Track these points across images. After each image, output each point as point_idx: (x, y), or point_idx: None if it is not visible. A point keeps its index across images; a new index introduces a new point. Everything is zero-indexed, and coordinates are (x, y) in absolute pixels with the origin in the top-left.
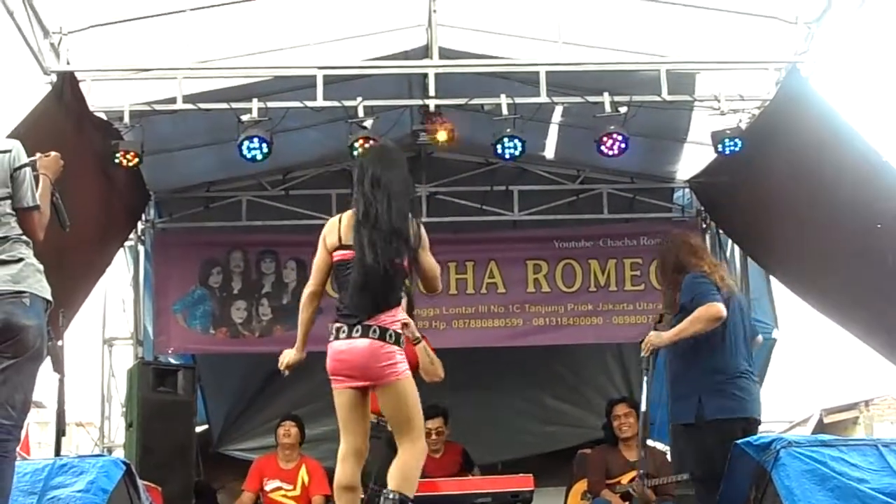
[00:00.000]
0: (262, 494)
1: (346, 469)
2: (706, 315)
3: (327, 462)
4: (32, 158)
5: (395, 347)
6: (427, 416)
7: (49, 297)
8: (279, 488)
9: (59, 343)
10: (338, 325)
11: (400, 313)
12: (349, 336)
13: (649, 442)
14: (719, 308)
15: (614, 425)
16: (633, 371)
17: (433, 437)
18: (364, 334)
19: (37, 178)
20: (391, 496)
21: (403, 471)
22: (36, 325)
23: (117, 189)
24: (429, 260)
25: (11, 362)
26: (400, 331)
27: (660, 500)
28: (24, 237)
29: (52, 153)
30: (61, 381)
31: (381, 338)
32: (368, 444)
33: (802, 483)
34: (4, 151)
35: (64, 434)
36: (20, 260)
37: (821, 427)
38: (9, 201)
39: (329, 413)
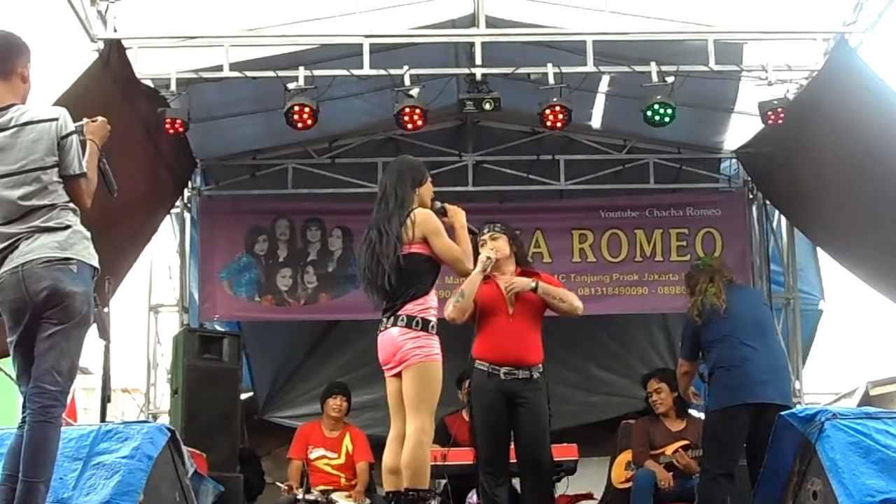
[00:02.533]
0: (307, 462)
1: (391, 452)
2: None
3: (370, 430)
4: (79, 123)
5: (422, 333)
6: (467, 377)
7: (96, 265)
8: (323, 457)
9: (105, 310)
10: (381, 319)
11: (428, 301)
12: (385, 327)
13: (692, 412)
14: (679, 365)
15: (650, 400)
16: (678, 341)
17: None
18: (394, 323)
19: (84, 144)
20: (409, 496)
21: (411, 464)
22: (83, 292)
23: (163, 157)
24: (440, 243)
25: (58, 328)
26: (428, 318)
27: None
28: (71, 205)
29: (99, 118)
30: (107, 348)
31: (408, 325)
32: None
33: (847, 455)
34: (51, 119)
35: (109, 400)
36: (67, 227)
37: (866, 399)
38: (56, 169)
39: (371, 381)
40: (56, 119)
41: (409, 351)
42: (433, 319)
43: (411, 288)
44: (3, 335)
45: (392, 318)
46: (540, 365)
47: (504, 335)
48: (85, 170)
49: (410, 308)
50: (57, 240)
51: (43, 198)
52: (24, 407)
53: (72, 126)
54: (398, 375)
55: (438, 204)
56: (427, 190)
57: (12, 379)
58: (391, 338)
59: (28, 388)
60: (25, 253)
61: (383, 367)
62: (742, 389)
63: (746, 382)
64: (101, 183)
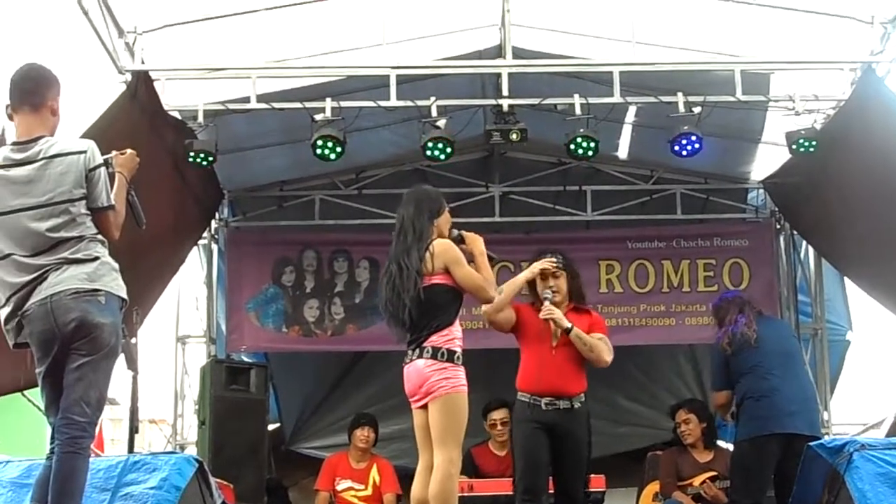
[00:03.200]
0: (334, 494)
1: (419, 484)
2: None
3: (397, 461)
4: (108, 156)
5: (448, 364)
6: (493, 408)
7: (124, 296)
8: (350, 488)
9: (133, 341)
10: (407, 351)
11: (453, 331)
12: (410, 359)
13: (720, 443)
14: (713, 398)
15: (678, 430)
16: (705, 372)
17: (499, 427)
18: (420, 355)
19: (112, 176)
20: None
21: (439, 496)
22: (111, 323)
23: (191, 188)
24: (461, 273)
25: (87, 360)
26: (454, 348)
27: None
28: (99, 236)
29: (128, 151)
30: (135, 379)
31: (434, 356)
32: None
33: (876, 486)
34: (79, 152)
35: (137, 431)
36: (96, 258)
37: (895, 429)
38: (84, 201)
39: (398, 412)
40: (84, 152)
41: (435, 383)
42: (458, 350)
43: (435, 319)
44: (31, 365)
45: (418, 350)
46: (582, 395)
47: (546, 367)
48: (113, 202)
49: (435, 339)
50: (85, 271)
51: (71, 230)
52: (52, 438)
53: (100, 159)
54: (425, 407)
55: (456, 232)
56: (445, 220)
57: (40, 409)
58: (417, 370)
59: (57, 420)
60: (54, 284)
61: (410, 399)
62: (771, 420)
63: (775, 413)
64: (130, 215)
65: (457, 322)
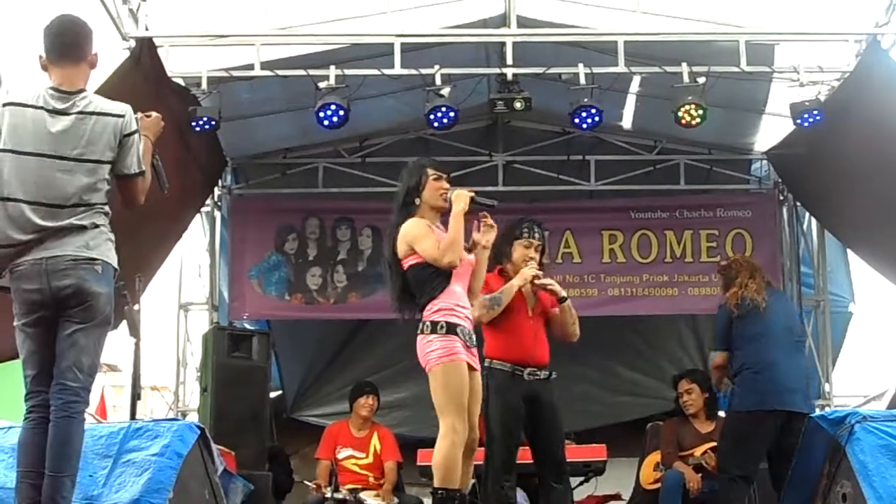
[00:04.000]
0: (335, 462)
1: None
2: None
3: (398, 429)
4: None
5: (433, 336)
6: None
7: (116, 266)
8: (351, 456)
9: (136, 307)
10: None
11: (438, 303)
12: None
13: (721, 413)
14: (713, 358)
15: (680, 401)
16: (707, 342)
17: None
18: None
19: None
20: (439, 494)
21: (441, 465)
22: (106, 293)
23: (194, 155)
24: (421, 250)
25: (80, 327)
26: (436, 319)
27: None
28: (105, 207)
29: (153, 113)
30: (137, 346)
31: (422, 331)
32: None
33: (877, 458)
34: (118, 116)
35: (139, 398)
36: (95, 227)
37: None
38: (108, 166)
39: (399, 381)
40: (122, 116)
41: (424, 357)
42: (442, 320)
43: (421, 297)
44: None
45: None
46: None
47: (526, 336)
48: (143, 168)
49: (426, 314)
50: (84, 239)
51: (86, 193)
52: (27, 396)
53: (135, 125)
54: None
55: (448, 195)
56: (432, 189)
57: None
58: (417, 345)
59: (52, 386)
60: (51, 248)
61: None
62: (774, 395)
63: (776, 388)
64: (154, 179)
65: (444, 294)
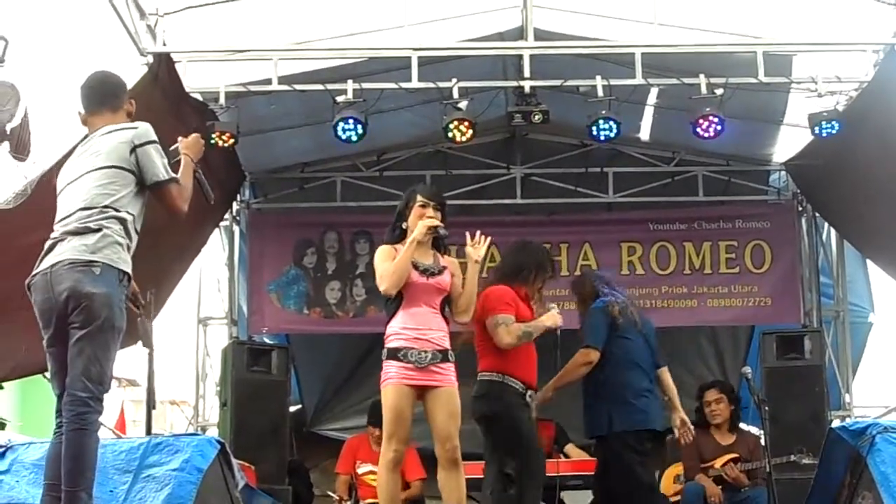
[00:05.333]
0: (355, 477)
1: None
2: (578, 361)
3: (420, 443)
4: (175, 146)
5: (384, 362)
6: None
7: (125, 269)
8: (371, 472)
9: (148, 320)
10: None
11: (389, 329)
12: None
13: (742, 426)
14: (587, 354)
15: (705, 411)
16: (727, 354)
17: None
18: None
19: (179, 162)
20: None
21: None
22: (103, 294)
23: (212, 170)
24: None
25: (83, 333)
26: (385, 344)
27: (753, 484)
28: (118, 212)
29: (193, 134)
30: (150, 356)
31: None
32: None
33: None
34: (131, 128)
35: (154, 408)
36: (98, 230)
37: None
38: (123, 173)
39: None
40: (135, 128)
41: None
42: (389, 346)
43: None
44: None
45: None
46: None
47: (531, 358)
48: (171, 175)
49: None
50: (85, 243)
51: (95, 196)
52: (57, 413)
53: (150, 136)
54: None
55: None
56: (415, 217)
57: None
58: None
59: (63, 397)
60: (57, 254)
61: None
62: (653, 415)
63: (656, 409)
64: (198, 191)
65: (396, 319)
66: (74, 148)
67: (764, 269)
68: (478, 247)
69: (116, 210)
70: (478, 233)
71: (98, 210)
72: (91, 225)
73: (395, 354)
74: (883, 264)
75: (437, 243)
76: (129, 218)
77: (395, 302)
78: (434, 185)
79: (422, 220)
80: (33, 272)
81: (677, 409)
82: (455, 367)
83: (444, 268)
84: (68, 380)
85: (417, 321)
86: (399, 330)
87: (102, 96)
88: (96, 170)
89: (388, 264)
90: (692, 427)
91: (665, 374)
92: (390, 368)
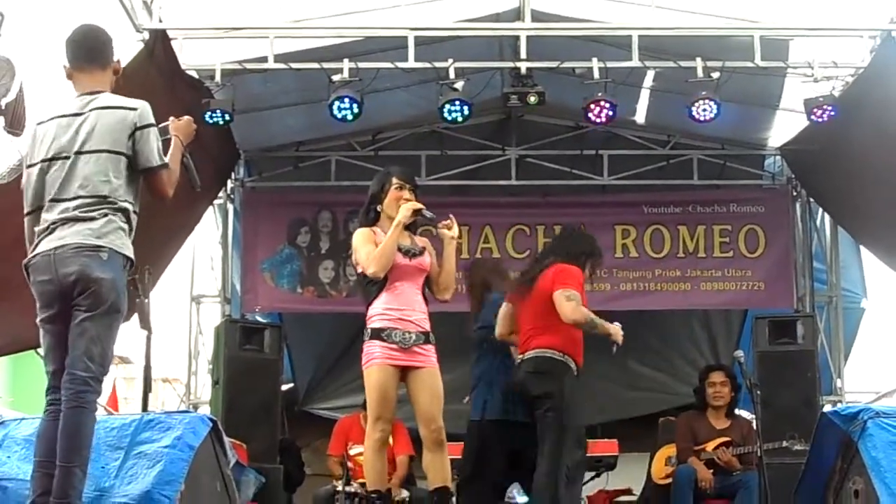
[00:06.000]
0: (347, 457)
1: None
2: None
3: (410, 422)
4: (165, 123)
5: (364, 341)
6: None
7: (129, 255)
8: (363, 453)
9: (146, 300)
10: None
11: (371, 310)
12: None
13: (738, 412)
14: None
15: (708, 392)
16: (719, 338)
17: None
18: None
19: (168, 141)
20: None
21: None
22: (111, 279)
23: (207, 148)
24: (357, 259)
25: (88, 315)
26: (368, 325)
27: (745, 468)
28: (121, 203)
29: (185, 117)
30: (148, 338)
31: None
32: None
33: (889, 454)
34: (131, 109)
35: (150, 390)
36: (105, 216)
37: None
38: (125, 159)
39: None
40: (135, 109)
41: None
42: (369, 326)
43: (366, 302)
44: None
45: None
46: None
47: (582, 344)
48: (165, 161)
49: (366, 320)
50: (91, 227)
51: (96, 183)
52: (48, 390)
53: (150, 119)
54: None
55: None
56: (391, 199)
57: None
58: None
59: (63, 376)
60: (60, 238)
61: None
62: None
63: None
64: (185, 177)
65: (378, 300)
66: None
67: (758, 254)
68: (450, 227)
69: (118, 200)
70: (451, 216)
71: (98, 199)
72: (94, 214)
73: (378, 335)
74: (876, 250)
75: (412, 225)
76: (130, 207)
77: (378, 283)
78: (406, 167)
79: (405, 203)
80: (33, 253)
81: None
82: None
83: (424, 248)
84: (69, 359)
85: (401, 302)
86: (383, 311)
87: (90, 52)
88: (95, 152)
89: (370, 247)
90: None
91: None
92: (374, 349)
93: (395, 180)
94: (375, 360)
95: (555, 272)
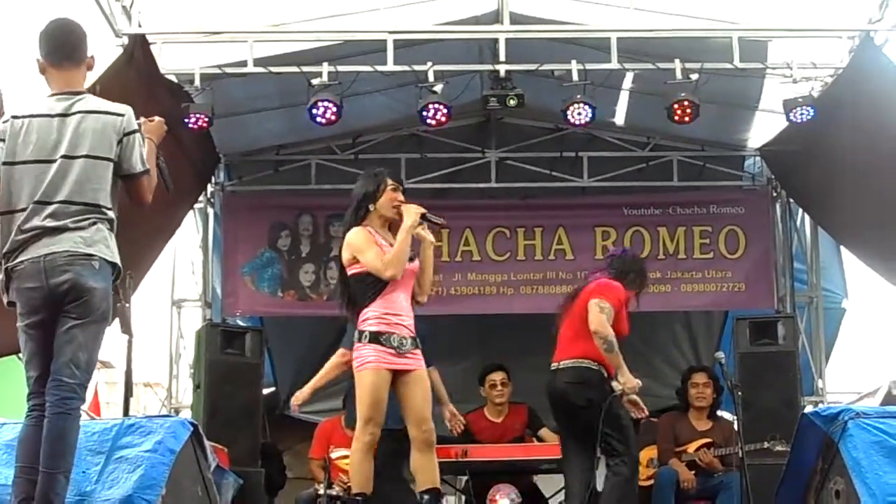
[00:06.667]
0: (328, 461)
1: None
2: (335, 362)
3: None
4: (137, 122)
5: (358, 345)
6: (491, 370)
7: (117, 262)
8: (345, 456)
9: (127, 305)
10: None
11: (367, 312)
12: None
13: (721, 414)
14: (344, 354)
15: (691, 393)
16: (700, 339)
17: (498, 387)
18: None
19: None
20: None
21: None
22: (102, 288)
23: (187, 151)
24: (364, 260)
25: (77, 323)
26: (363, 328)
27: (726, 469)
28: (108, 212)
29: (157, 118)
30: (130, 343)
31: (358, 339)
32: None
33: (870, 454)
34: (118, 115)
35: (132, 394)
36: (93, 224)
37: (890, 398)
38: (111, 164)
39: None
40: (122, 115)
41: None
42: (367, 329)
43: (357, 304)
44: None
45: None
46: None
47: None
48: (148, 167)
49: (359, 322)
50: (82, 235)
51: (85, 190)
52: (29, 395)
53: (136, 125)
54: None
55: (399, 208)
56: (385, 200)
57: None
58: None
59: (48, 382)
60: (49, 245)
61: None
62: None
63: None
64: (160, 181)
65: (375, 304)
66: (40, 106)
67: (738, 255)
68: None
69: (106, 209)
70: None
71: (89, 207)
72: (84, 223)
73: (376, 338)
74: (856, 251)
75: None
76: (114, 215)
77: (378, 286)
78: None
79: (402, 204)
80: (18, 259)
81: (446, 404)
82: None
83: (416, 253)
84: (55, 365)
85: (396, 307)
86: (381, 315)
87: (65, 47)
88: (84, 157)
89: (376, 248)
90: (462, 418)
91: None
92: (369, 352)
93: (390, 181)
94: (370, 363)
95: (598, 284)
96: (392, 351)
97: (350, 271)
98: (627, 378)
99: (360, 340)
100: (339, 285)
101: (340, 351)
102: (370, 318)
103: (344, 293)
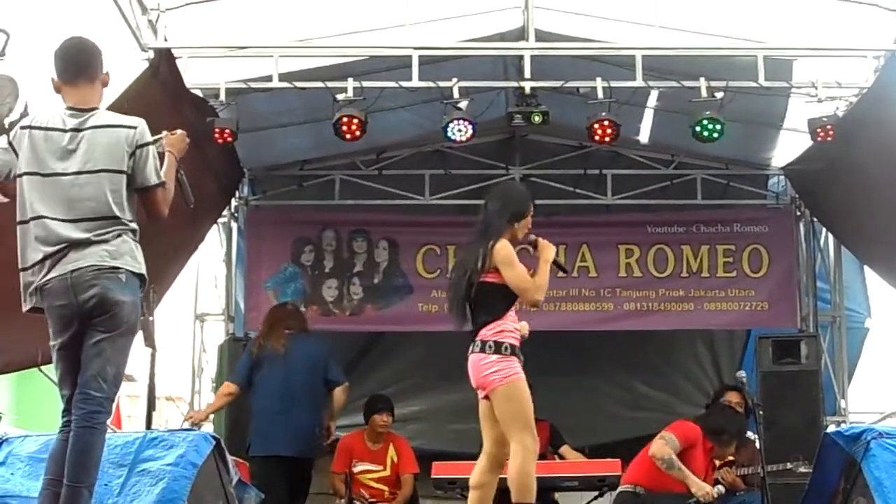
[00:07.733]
0: (350, 475)
1: (477, 469)
2: (221, 392)
3: (414, 442)
4: (158, 137)
5: (495, 356)
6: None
7: (144, 273)
8: (367, 471)
9: (151, 318)
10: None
11: (503, 325)
12: (470, 351)
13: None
14: (227, 386)
15: None
16: (722, 358)
17: None
18: (472, 350)
19: (162, 156)
20: None
21: (515, 479)
22: (130, 301)
23: (211, 166)
24: (508, 274)
25: (105, 336)
26: (501, 340)
27: (748, 489)
28: (130, 223)
29: (179, 131)
30: (153, 356)
31: (482, 350)
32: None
33: (893, 474)
34: (130, 127)
35: (154, 408)
36: (119, 236)
37: None
38: (125, 177)
39: (415, 394)
40: (134, 128)
41: (487, 377)
42: (506, 342)
43: (485, 315)
44: (48, 341)
45: (472, 344)
46: None
47: None
48: (162, 179)
49: (484, 333)
50: (107, 249)
51: (105, 204)
52: (63, 412)
53: (149, 137)
54: (487, 398)
55: (532, 237)
56: (525, 224)
57: (56, 384)
58: (473, 363)
59: (75, 395)
60: (75, 260)
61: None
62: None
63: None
64: (179, 194)
65: (508, 316)
66: (55, 119)
67: (761, 274)
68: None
69: (127, 220)
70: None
71: (110, 220)
72: (107, 235)
73: (515, 351)
74: (880, 270)
75: None
76: (136, 226)
77: (511, 299)
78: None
79: (547, 242)
80: (46, 276)
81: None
82: None
83: None
84: (82, 378)
85: (516, 323)
86: (513, 329)
87: (77, 65)
88: (99, 171)
89: (523, 267)
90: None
91: (337, 392)
92: (513, 363)
93: (531, 208)
94: (519, 373)
95: (674, 425)
96: (521, 364)
97: (486, 278)
98: (698, 486)
99: (498, 352)
100: (463, 289)
101: (226, 383)
102: (506, 330)
103: (467, 296)
